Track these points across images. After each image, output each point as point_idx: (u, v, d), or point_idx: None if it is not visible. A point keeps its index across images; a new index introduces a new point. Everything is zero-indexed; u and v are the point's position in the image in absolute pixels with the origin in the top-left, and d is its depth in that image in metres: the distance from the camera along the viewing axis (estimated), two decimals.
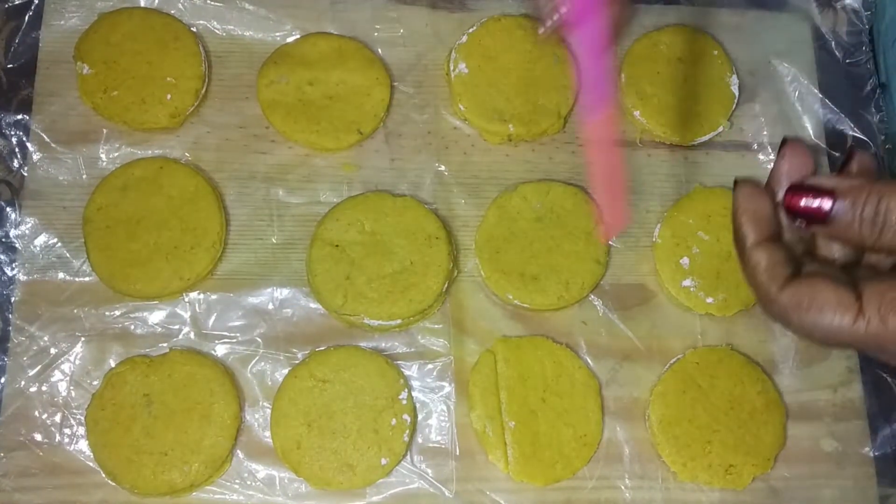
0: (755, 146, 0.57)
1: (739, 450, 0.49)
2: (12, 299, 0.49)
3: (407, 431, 0.48)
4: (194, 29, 0.54)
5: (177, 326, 0.50)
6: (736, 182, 0.35)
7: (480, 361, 0.50)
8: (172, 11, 0.54)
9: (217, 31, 0.55)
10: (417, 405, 0.49)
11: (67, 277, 0.50)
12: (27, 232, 0.50)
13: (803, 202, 0.32)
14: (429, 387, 0.50)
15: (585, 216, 0.52)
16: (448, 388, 0.50)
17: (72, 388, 0.48)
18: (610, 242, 0.53)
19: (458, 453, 0.49)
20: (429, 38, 0.56)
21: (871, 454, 0.51)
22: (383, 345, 0.50)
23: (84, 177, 0.52)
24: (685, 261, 0.52)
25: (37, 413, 0.48)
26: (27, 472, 0.47)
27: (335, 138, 0.53)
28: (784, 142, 0.34)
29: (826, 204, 0.31)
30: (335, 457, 0.47)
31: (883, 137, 0.58)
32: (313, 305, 0.51)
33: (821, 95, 0.58)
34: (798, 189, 0.32)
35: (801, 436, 0.51)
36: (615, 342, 0.52)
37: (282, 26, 0.55)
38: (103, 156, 0.52)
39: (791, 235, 0.35)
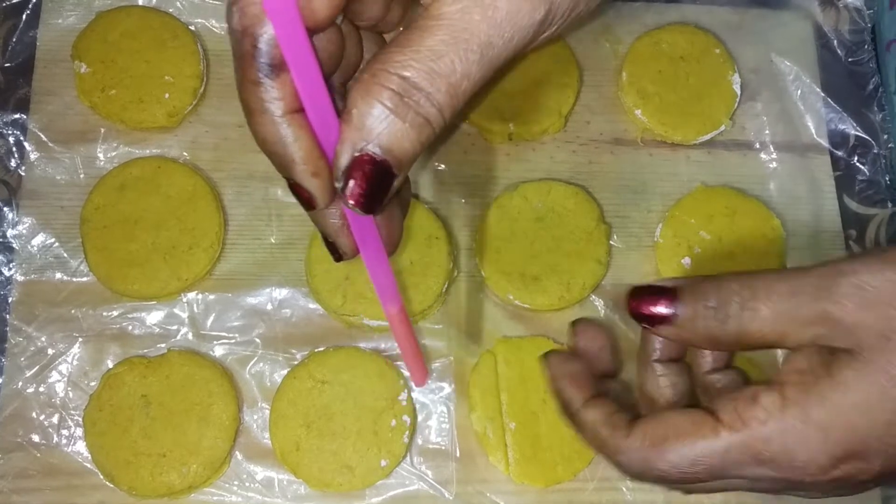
0: (757, 145, 0.56)
1: None
2: (9, 299, 0.49)
3: (407, 433, 0.47)
4: (193, 27, 0.54)
5: (175, 327, 0.49)
6: (541, 356, 0.35)
7: (480, 362, 0.50)
8: (171, 10, 0.54)
9: (216, 30, 0.55)
10: (417, 406, 0.49)
11: (65, 278, 0.50)
12: (24, 232, 0.50)
13: (646, 305, 0.31)
14: (429, 388, 0.50)
15: (587, 216, 0.52)
16: (448, 389, 0.50)
17: (69, 389, 0.48)
18: (611, 242, 0.53)
19: (458, 455, 0.49)
20: None
21: None
22: (383, 345, 0.50)
23: (82, 176, 0.51)
24: (687, 260, 0.52)
25: (34, 414, 0.47)
26: (25, 473, 0.46)
27: None
28: (572, 324, 0.35)
29: (669, 303, 0.30)
30: (334, 458, 0.47)
31: (886, 136, 0.58)
32: (312, 306, 0.50)
33: (823, 94, 0.58)
34: (639, 292, 0.31)
35: None
36: (616, 343, 0.51)
37: None
38: (101, 155, 0.52)
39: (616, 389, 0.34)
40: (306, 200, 0.29)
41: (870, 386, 0.27)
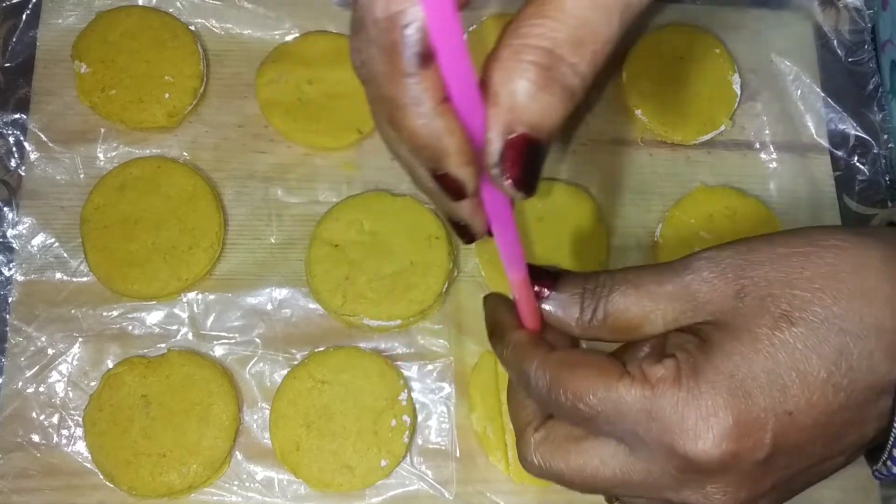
0: (757, 145, 0.56)
1: None
2: (9, 299, 0.49)
3: (407, 433, 0.47)
4: (192, 27, 0.54)
5: (175, 327, 0.49)
6: (485, 297, 0.36)
7: (480, 362, 0.50)
8: (171, 10, 0.54)
9: (215, 30, 0.55)
10: (417, 406, 0.49)
11: (65, 278, 0.50)
12: (24, 232, 0.50)
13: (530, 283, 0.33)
14: (429, 388, 0.50)
15: (587, 216, 0.52)
16: (448, 389, 0.50)
17: (69, 389, 0.48)
18: (611, 242, 0.53)
19: (458, 455, 0.49)
20: None
21: None
22: (383, 345, 0.50)
23: (82, 176, 0.51)
24: None
25: (34, 414, 0.47)
26: (25, 473, 0.46)
27: (334, 137, 0.52)
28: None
29: (546, 285, 0.32)
30: (334, 458, 0.47)
31: (886, 136, 0.58)
32: (312, 306, 0.50)
33: (823, 94, 0.58)
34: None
35: None
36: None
37: (281, 25, 0.55)
38: (101, 155, 0.52)
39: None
40: (456, 190, 0.28)
41: (740, 350, 0.29)
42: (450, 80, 0.25)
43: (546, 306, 0.33)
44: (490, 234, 0.32)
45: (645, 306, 0.31)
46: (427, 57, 0.25)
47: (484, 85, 0.26)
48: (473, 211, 0.30)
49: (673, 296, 0.31)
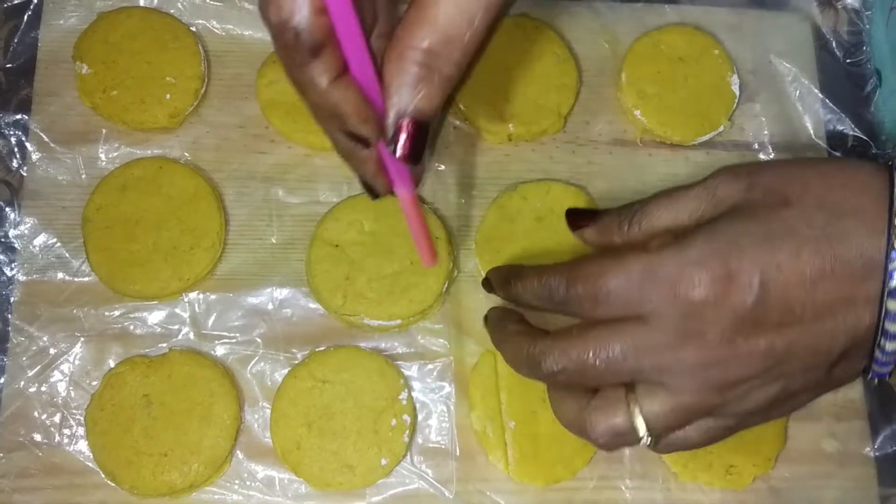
0: (756, 146, 0.57)
1: (740, 450, 0.49)
2: (11, 299, 0.49)
3: (407, 432, 0.48)
4: (194, 28, 0.54)
5: (176, 327, 0.50)
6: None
7: (480, 362, 0.50)
8: (172, 11, 0.54)
9: (217, 31, 0.55)
10: (417, 406, 0.49)
11: (67, 277, 0.50)
12: (26, 232, 0.50)
13: (578, 218, 0.40)
14: (429, 387, 0.50)
15: None
16: (448, 388, 0.50)
17: (71, 388, 0.48)
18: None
19: (458, 454, 0.49)
20: None
21: (872, 454, 0.51)
22: (383, 345, 0.50)
23: (83, 177, 0.52)
24: None
25: (36, 413, 0.47)
26: (26, 472, 0.47)
27: None
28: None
29: (591, 219, 0.40)
30: (335, 457, 0.47)
31: (884, 137, 0.58)
32: (313, 306, 0.50)
33: (821, 95, 0.58)
34: (575, 210, 0.41)
35: (802, 436, 0.51)
36: None
37: None
38: (102, 156, 0.52)
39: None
40: (362, 142, 0.35)
41: (739, 220, 0.34)
42: (351, 60, 0.32)
43: (592, 229, 0.39)
44: (392, 193, 0.40)
45: (675, 208, 0.36)
46: (315, 49, 0.31)
47: (381, 80, 0.34)
48: (376, 173, 0.38)
49: (697, 195, 0.36)
